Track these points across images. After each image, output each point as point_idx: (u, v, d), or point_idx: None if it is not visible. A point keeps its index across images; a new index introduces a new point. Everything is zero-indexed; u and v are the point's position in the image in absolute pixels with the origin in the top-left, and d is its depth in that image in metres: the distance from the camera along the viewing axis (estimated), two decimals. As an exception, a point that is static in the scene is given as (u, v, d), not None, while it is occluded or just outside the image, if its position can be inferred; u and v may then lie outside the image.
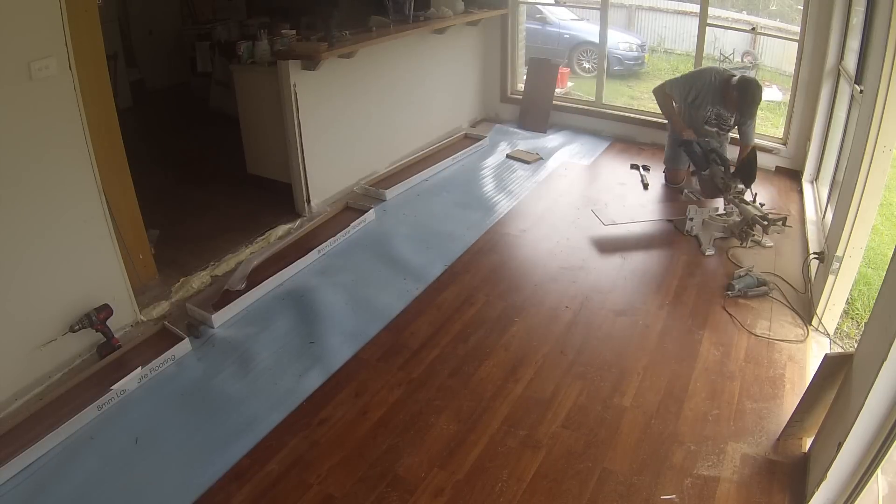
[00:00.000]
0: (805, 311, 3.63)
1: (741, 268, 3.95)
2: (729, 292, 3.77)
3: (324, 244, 4.28)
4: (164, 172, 5.35)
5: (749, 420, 2.87)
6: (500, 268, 4.15)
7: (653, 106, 5.59)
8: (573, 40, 10.64)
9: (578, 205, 4.99)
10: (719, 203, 4.71)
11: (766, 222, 4.04)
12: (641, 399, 3.01)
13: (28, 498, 2.54)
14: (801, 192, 5.12)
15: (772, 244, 4.21)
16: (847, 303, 3.94)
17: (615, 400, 3.01)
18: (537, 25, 10.45)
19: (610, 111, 6.50)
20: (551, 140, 6.32)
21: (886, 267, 2.38)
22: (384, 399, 3.03)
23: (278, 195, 4.83)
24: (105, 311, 3.26)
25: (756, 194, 4.47)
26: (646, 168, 5.55)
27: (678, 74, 5.21)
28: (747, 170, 4.44)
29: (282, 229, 4.53)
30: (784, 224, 4.04)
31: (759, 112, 4.91)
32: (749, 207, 4.24)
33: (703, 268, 4.13)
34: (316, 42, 4.40)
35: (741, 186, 4.39)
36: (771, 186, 5.20)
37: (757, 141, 5.48)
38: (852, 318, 4.33)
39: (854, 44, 4.27)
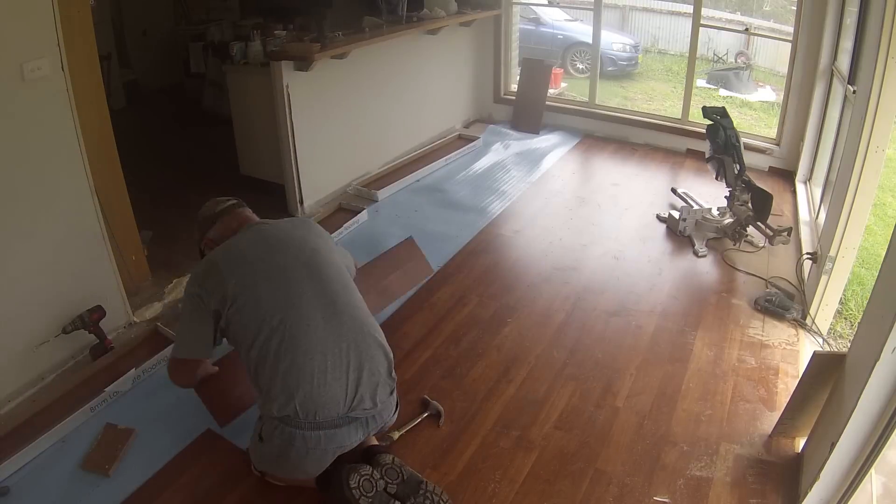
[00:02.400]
0: (798, 311, 3.64)
1: (771, 288, 3.86)
2: (758, 306, 3.70)
3: (317, 245, 4.26)
4: (157, 173, 5.34)
5: (742, 421, 2.88)
6: (493, 268, 4.14)
7: (646, 106, 5.63)
8: (567, 41, 10.67)
9: (572, 205, 4.99)
10: (712, 204, 4.71)
11: (771, 233, 4.03)
12: (634, 400, 3.01)
13: (21, 499, 2.52)
14: (794, 192, 5.13)
15: (764, 245, 4.21)
16: (840, 303, 3.96)
17: (608, 400, 3.01)
18: (531, 26, 10.47)
19: (603, 112, 6.51)
20: (544, 140, 6.31)
21: (879, 267, 2.38)
22: (377, 400, 3.02)
23: (271, 196, 4.81)
24: (98, 312, 3.24)
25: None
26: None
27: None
28: (761, 202, 4.18)
29: (275, 230, 4.51)
30: (788, 235, 4.03)
31: (752, 112, 4.77)
32: (742, 208, 4.24)
33: (697, 269, 4.13)
34: (309, 43, 4.39)
35: (746, 197, 4.32)
36: (764, 187, 5.19)
37: (751, 141, 5.52)
38: (846, 319, 4.35)
39: (847, 44, 4.28)
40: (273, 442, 2.29)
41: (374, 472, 2.35)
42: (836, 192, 3.48)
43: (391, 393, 2.41)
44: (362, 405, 2.28)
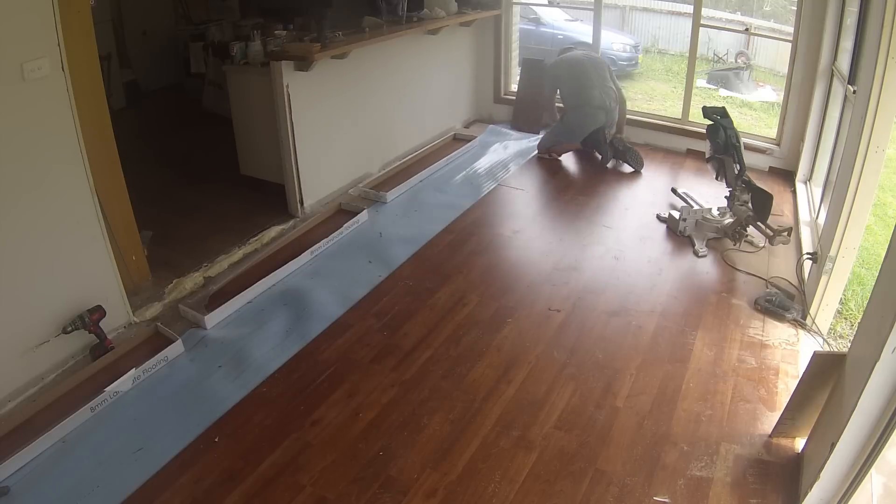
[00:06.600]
0: (798, 311, 3.63)
1: (772, 288, 3.86)
2: (758, 306, 3.70)
3: (317, 245, 4.27)
4: (157, 173, 5.33)
5: (742, 421, 2.88)
6: (493, 268, 4.14)
7: (646, 106, 5.70)
8: (567, 41, 10.64)
9: (572, 205, 4.99)
10: (712, 204, 4.71)
11: (771, 233, 4.02)
12: (634, 400, 3.01)
13: (21, 499, 2.53)
14: (794, 192, 5.13)
15: (764, 245, 4.21)
16: (840, 303, 3.95)
17: (608, 400, 3.01)
18: (531, 26, 10.47)
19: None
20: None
21: (879, 267, 2.38)
22: (377, 400, 3.02)
23: (271, 196, 4.82)
24: (98, 312, 3.24)
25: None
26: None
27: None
28: (762, 202, 4.17)
29: (275, 230, 4.52)
30: (789, 235, 4.03)
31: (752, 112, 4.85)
32: (742, 208, 4.24)
33: (697, 269, 4.13)
34: (309, 43, 4.39)
35: (746, 197, 4.31)
36: (764, 187, 5.19)
37: (751, 141, 5.52)
38: (846, 319, 4.34)
39: (847, 44, 4.27)
40: (570, 117, 5.63)
41: (614, 139, 5.62)
42: (836, 192, 3.48)
43: (614, 102, 5.54)
44: (603, 104, 5.47)
